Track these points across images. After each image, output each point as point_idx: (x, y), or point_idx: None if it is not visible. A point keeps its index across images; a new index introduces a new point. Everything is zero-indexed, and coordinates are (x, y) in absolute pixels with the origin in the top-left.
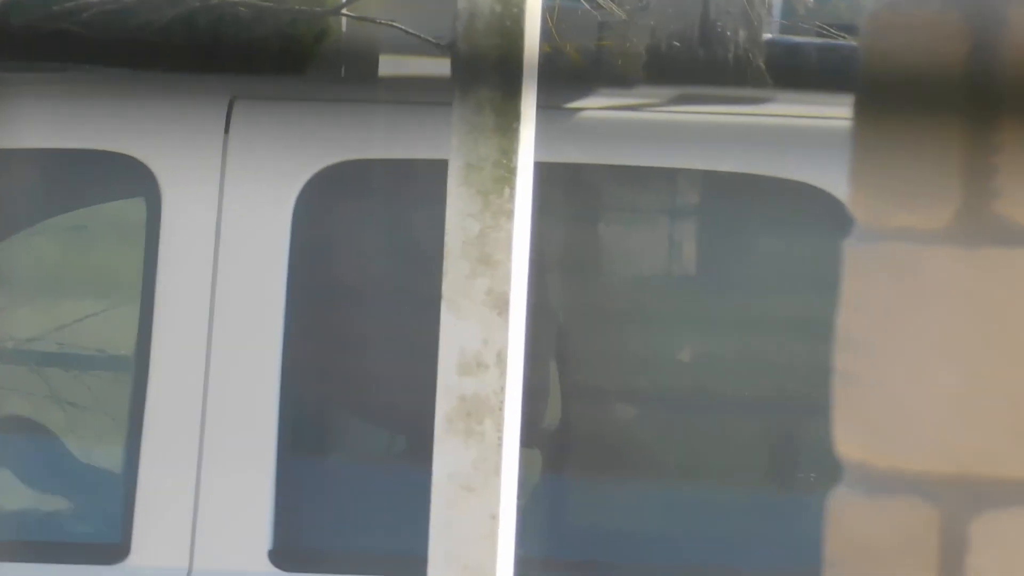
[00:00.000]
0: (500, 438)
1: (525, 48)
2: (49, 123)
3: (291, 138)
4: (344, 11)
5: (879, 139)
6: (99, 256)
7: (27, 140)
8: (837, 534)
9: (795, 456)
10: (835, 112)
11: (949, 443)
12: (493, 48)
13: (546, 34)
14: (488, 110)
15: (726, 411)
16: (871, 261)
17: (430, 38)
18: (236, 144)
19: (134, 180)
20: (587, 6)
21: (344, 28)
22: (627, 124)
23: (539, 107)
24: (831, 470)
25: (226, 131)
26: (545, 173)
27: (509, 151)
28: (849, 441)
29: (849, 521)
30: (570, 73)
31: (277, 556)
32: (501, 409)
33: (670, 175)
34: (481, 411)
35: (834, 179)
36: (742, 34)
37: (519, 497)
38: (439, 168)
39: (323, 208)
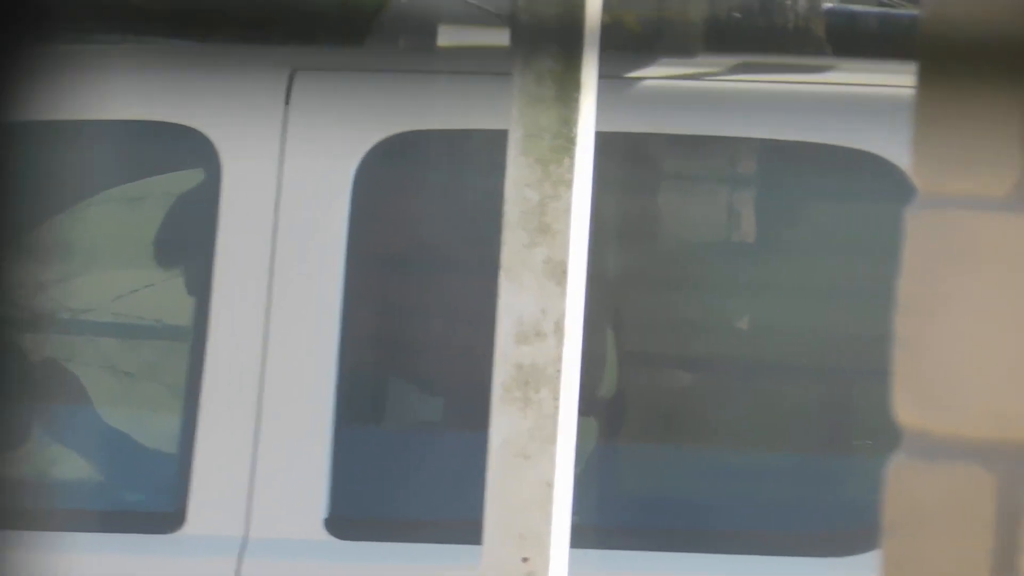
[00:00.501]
0: (557, 407)
1: (586, 18)
2: (109, 94)
3: (351, 109)
4: None
5: (940, 107)
6: (159, 227)
7: (88, 111)
8: (895, 500)
9: (853, 422)
10: (896, 80)
11: (1008, 410)
12: (553, 18)
13: (605, 4)
14: (548, 80)
15: (783, 379)
16: (932, 228)
17: (490, 8)
18: (296, 116)
19: (194, 151)
20: None
21: None
22: (687, 93)
23: (599, 77)
24: (889, 436)
25: (286, 103)
26: (604, 143)
27: (569, 121)
28: (908, 408)
29: (907, 487)
30: (629, 42)
31: (333, 524)
32: (558, 378)
33: (729, 144)
34: (538, 380)
35: (895, 147)
36: (802, 3)
37: (575, 465)
38: (499, 138)
39: (383, 179)
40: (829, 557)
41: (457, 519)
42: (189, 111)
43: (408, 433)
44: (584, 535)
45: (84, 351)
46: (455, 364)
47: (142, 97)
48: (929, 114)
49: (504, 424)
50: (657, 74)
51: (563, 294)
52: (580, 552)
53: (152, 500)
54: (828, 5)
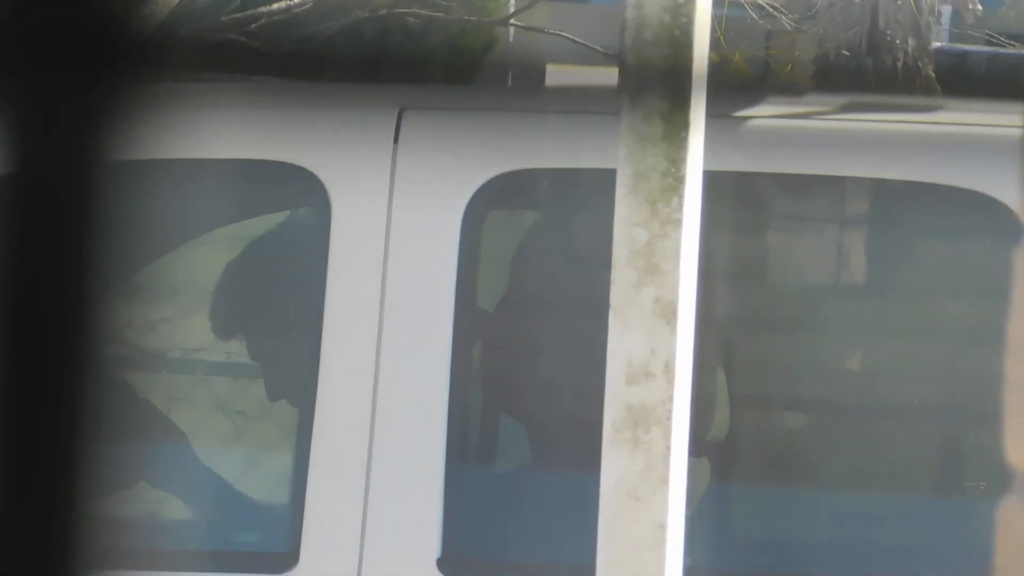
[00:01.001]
0: (668, 447)
1: (694, 57)
2: (218, 133)
3: (459, 148)
4: (512, 21)
5: None
6: (268, 266)
7: (196, 150)
8: (1007, 542)
9: (964, 465)
10: (1007, 120)
11: None
12: (662, 58)
13: (714, 43)
14: (656, 119)
15: (894, 420)
16: None
17: (597, 47)
18: (405, 154)
19: (303, 190)
20: (755, 15)
21: (511, 38)
22: (795, 132)
23: (707, 115)
24: (1001, 479)
25: (395, 141)
26: (713, 182)
27: (677, 160)
28: (1021, 450)
29: (1019, 530)
30: (738, 82)
31: (446, 565)
32: (669, 418)
33: (838, 183)
34: (648, 420)
35: (1006, 187)
36: (911, 42)
37: (687, 507)
38: (607, 177)
39: (491, 218)
40: None
41: (570, 561)
42: (298, 150)
43: (519, 474)
44: None
45: (195, 391)
46: (565, 404)
47: (251, 136)
48: None
49: (615, 465)
50: (765, 113)
51: (672, 334)
52: None
53: (265, 540)
54: (937, 45)
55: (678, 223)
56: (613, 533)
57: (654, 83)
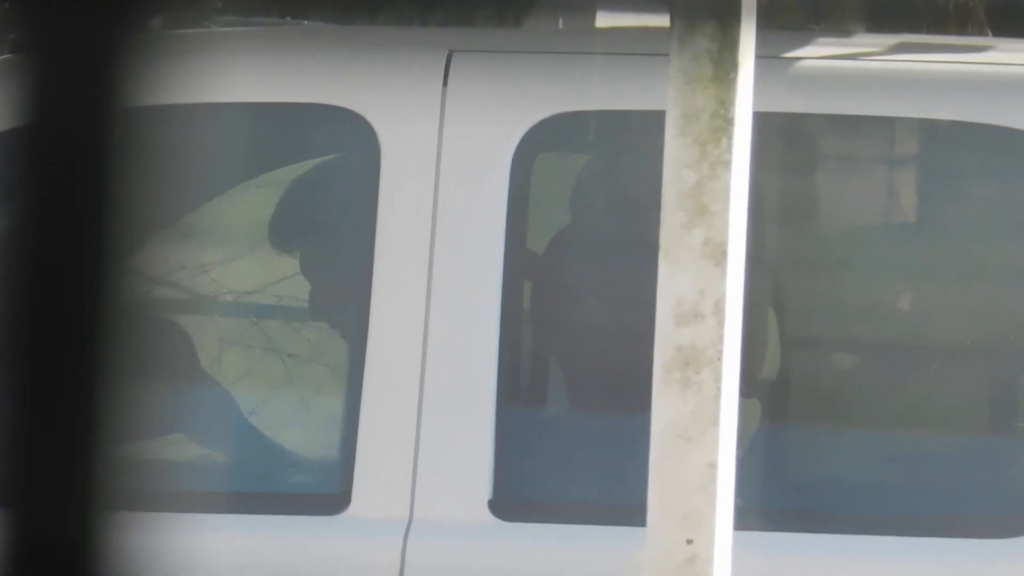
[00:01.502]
0: (718, 388)
1: None
2: (268, 77)
3: (508, 91)
4: None
5: None
6: (319, 209)
7: (246, 94)
8: None
9: (1015, 404)
10: None
11: None
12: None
13: None
14: (705, 60)
15: (944, 359)
16: None
17: None
18: (454, 97)
19: (353, 134)
20: None
21: None
22: (845, 73)
23: (756, 57)
24: None
25: (444, 84)
26: (763, 123)
27: (726, 101)
28: None
29: None
30: (787, 22)
31: (497, 506)
32: (719, 359)
33: (887, 124)
34: (699, 361)
35: None
36: None
37: (737, 447)
38: (656, 119)
39: (541, 160)
40: (992, 539)
41: (620, 501)
42: (347, 93)
43: (570, 415)
44: (747, 517)
45: (247, 334)
46: (615, 346)
47: (300, 79)
48: None
49: (665, 406)
50: (815, 54)
51: (722, 275)
52: (743, 534)
53: (317, 482)
54: None
55: (727, 164)
56: (664, 473)
57: (702, 24)
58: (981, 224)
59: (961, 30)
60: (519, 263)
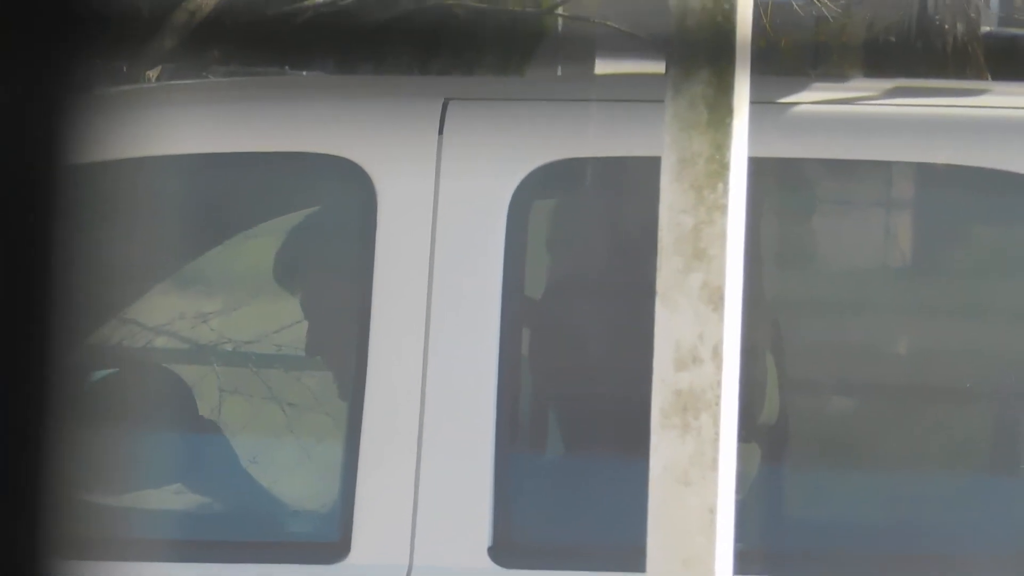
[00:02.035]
0: (717, 432)
1: (737, 43)
2: (263, 126)
3: (505, 138)
4: (559, 11)
5: None
6: (316, 258)
7: (242, 143)
8: None
9: (1017, 445)
10: None
11: None
12: (705, 45)
13: (761, 29)
14: (701, 106)
15: (943, 402)
16: None
17: (643, 35)
18: (450, 145)
19: (350, 183)
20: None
21: (560, 28)
22: (841, 118)
23: (752, 102)
24: None
25: (440, 132)
26: (758, 168)
27: (722, 146)
28: None
29: None
30: (784, 67)
31: (497, 552)
32: (717, 403)
33: (884, 169)
34: (697, 405)
35: None
36: (960, 27)
37: (736, 491)
38: (653, 165)
39: (538, 206)
40: None
41: (620, 546)
42: (344, 142)
43: (569, 461)
44: (748, 560)
45: (247, 382)
46: (614, 390)
47: (296, 128)
48: None
49: (664, 450)
50: (811, 99)
51: (720, 319)
52: None
53: (316, 530)
54: (987, 29)
55: (724, 209)
56: (663, 518)
57: (698, 69)
58: (979, 266)
59: (960, 74)
60: (516, 309)
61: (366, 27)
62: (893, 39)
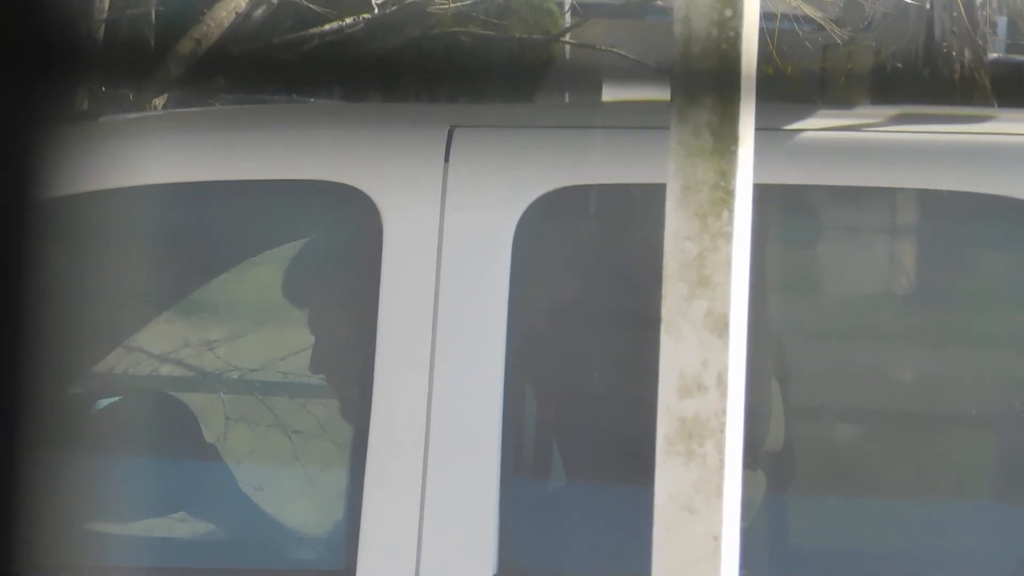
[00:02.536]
0: (722, 460)
1: (742, 70)
2: (270, 154)
3: (510, 165)
4: (566, 38)
5: None
6: (321, 285)
7: (249, 171)
8: None
9: (1020, 473)
10: None
11: None
12: (710, 72)
13: (767, 56)
14: (705, 133)
15: (949, 430)
16: None
17: (649, 63)
18: (456, 172)
19: (355, 210)
20: (807, 29)
21: (567, 55)
22: (847, 145)
23: (757, 129)
24: None
25: (446, 160)
26: (763, 195)
27: (727, 173)
28: None
29: None
30: (790, 94)
31: None
32: (722, 431)
33: (890, 196)
34: (702, 433)
35: None
36: (967, 54)
37: (742, 519)
38: (658, 192)
39: (544, 234)
40: None
41: (624, 573)
42: (350, 170)
43: (574, 488)
44: None
45: (252, 409)
46: (619, 418)
47: (302, 156)
48: None
49: (668, 478)
50: (817, 126)
51: (724, 346)
52: None
53: (322, 557)
54: (994, 56)
55: (728, 236)
56: (668, 545)
57: (702, 97)
58: (984, 293)
59: (966, 101)
60: (522, 337)
61: (372, 55)
62: (900, 66)
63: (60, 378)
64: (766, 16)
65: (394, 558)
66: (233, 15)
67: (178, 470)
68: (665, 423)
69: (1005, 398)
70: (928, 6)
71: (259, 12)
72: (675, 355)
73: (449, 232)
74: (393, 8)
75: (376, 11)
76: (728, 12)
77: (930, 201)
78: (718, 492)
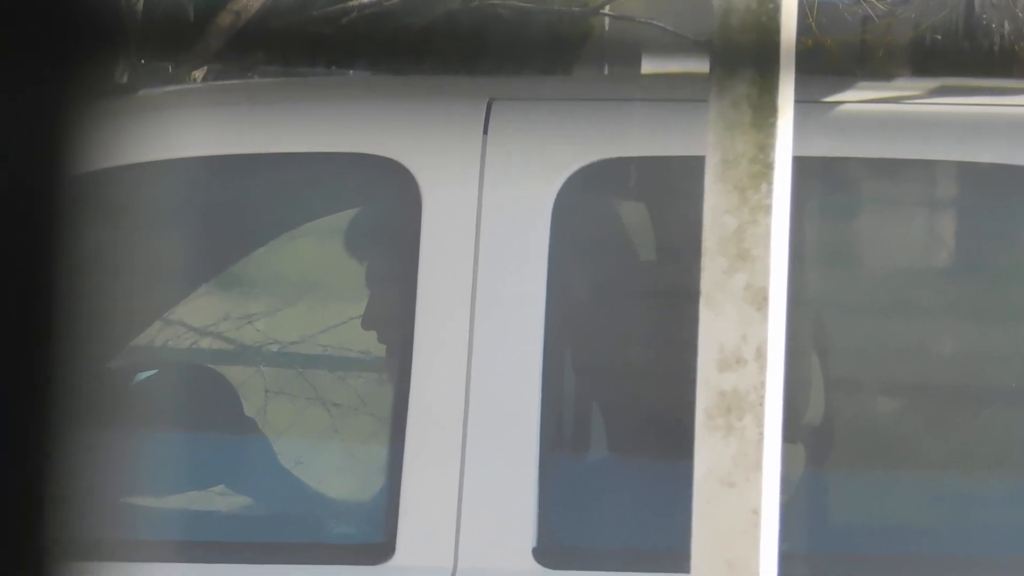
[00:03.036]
0: (761, 433)
1: (781, 43)
2: (308, 126)
3: (549, 138)
4: (605, 11)
5: None
6: (360, 258)
7: (287, 144)
8: None
9: None
10: None
11: None
12: (748, 44)
13: (806, 29)
14: (744, 106)
15: (989, 403)
16: None
17: (688, 35)
18: (495, 145)
19: (394, 183)
20: (845, 2)
21: (606, 28)
22: (886, 117)
23: (797, 101)
24: None
25: (485, 132)
26: (802, 167)
27: (766, 146)
28: None
29: None
30: (829, 66)
31: (541, 554)
32: (761, 404)
33: (929, 168)
34: (741, 407)
35: None
36: (1007, 25)
37: (781, 492)
38: (697, 165)
39: (582, 206)
40: None
41: (665, 548)
42: (388, 142)
43: (613, 462)
44: (792, 563)
45: (292, 384)
46: (658, 392)
47: (341, 129)
48: None
49: (708, 452)
50: (856, 98)
51: (764, 320)
52: None
53: (361, 532)
54: None
55: (768, 209)
56: (707, 519)
57: (741, 70)
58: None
59: (1006, 73)
60: (561, 310)
61: (411, 27)
62: (939, 38)
63: (100, 352)
64: None
65: (433, 532)
66: None
67: (218, 444)
68: (704, 397)
69: None
70: None
71: None
72: (714, 329)
73: (488, 204)
74: None
75: None
76: None
77: (970, 174)
78: (757, 466)
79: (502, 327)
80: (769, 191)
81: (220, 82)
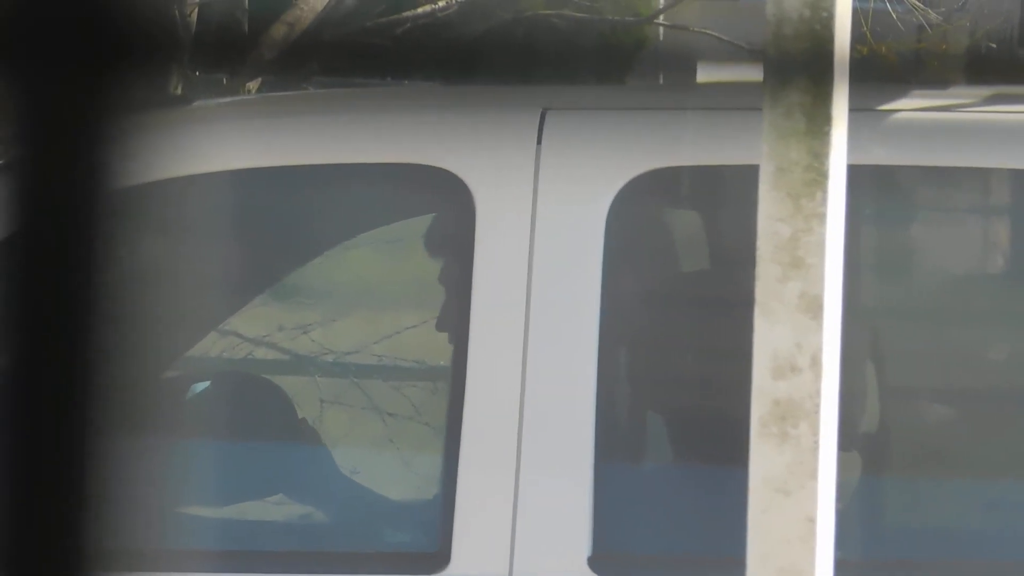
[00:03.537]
0: (816, 441)
1: (835, 51)
2: (362, 138)
3: (602, 147)
4: (659, 20)
5: None
6: (415, 268)
7: (341, 155)
8: None
9: None
10: None
11: None
12: (802, 53)
13: (861, 37)
14: (798, 114)
15: None
16: None
17: (742, 44)
18: (548, 155)
19: (448, 192)
20: (899, 10)
21: (660, 37)
22: (941, 125)
23: (851, 110)
24: None
25: (538, 142)
26: (857, 175)
27: (820, 154)
28: None
29: None
30: (884, 74)
31: (597, 562)
32: (816, 412)
33: (984, 176)
34: (796, 414)
35: None
36: None
37: (836, 500)
38: (751, 173)
39: (636, 215)
40: None
41: (720, 555)
42: (443, 153)
43: (668, 470)
44: (848, 570)
45: (347, 393)
46: (712, 400)
47: (396, 139)
48: None
49: (763, 460)
50: (911, 106)
51: (818, 328)
52: None
53: (416, 540)
54: None
55: (822, 217)
56: (762, 527)
57: (795, 78)
58: None
59: None
60: (615, 320)
61: (464, 38)
62: (994, 46)
63: (157, 363)
64: None
65: (489, 541)
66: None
67: (274, 453)
68: (759, 405)
69: None
70: None
71: None
72: (769, 337)
73: (541, 215)
74: None
75: None
76: None
77: None
78: (813, 474)
79: (556, 336)
80: (823, 199)
81: (274, 93)
